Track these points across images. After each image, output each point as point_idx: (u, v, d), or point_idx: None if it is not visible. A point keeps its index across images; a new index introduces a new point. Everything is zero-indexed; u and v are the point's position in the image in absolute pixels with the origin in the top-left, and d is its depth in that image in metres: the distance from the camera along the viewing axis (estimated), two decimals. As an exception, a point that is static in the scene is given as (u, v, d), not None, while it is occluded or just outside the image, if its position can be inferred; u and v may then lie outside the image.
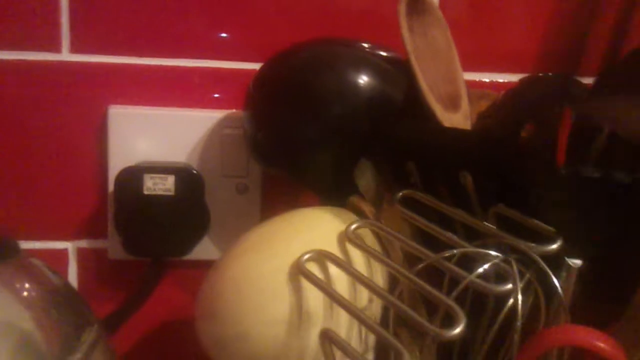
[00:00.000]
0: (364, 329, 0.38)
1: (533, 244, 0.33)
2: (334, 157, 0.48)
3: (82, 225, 0.57)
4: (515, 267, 0.31)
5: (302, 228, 0.43)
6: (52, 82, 0.55)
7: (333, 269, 0.37)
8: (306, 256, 0.37)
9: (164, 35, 0.56)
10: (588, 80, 0.44)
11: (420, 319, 0.28)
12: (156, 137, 0.56)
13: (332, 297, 0.34)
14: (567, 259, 0.33)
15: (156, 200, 0.53)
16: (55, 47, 0.55)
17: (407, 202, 0.43)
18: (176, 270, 0.58)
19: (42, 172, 0.56)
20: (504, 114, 0.49)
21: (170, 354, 0.59)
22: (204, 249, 0.57)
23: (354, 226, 0.40)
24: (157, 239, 0.55)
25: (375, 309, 0.39)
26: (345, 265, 0.36)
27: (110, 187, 0.55)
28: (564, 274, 0.32)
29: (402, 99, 0.48)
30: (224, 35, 0.57)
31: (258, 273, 0.39)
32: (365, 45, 0.51)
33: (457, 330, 0.26)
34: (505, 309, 0.32)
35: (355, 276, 0.35)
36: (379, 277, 0.40)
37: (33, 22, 0.54)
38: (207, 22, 0.57)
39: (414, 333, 0.37)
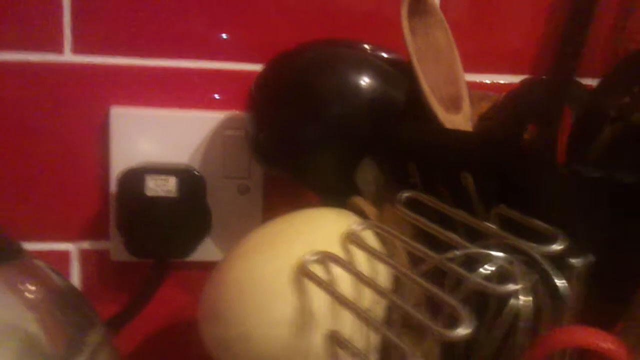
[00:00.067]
0: (367, 331, 0.38)
1: (536, 245, 0.33)
2: (335, 158, 0.49)
3: (85, 226, 0.57)
4: (519, 268, 0.31)
5: (304, 229, 0.43)
6: (54, 83, 0.55)
7: (337, 271, 0.37)
8: (310, 257, 0.37)
9: (165, 36, 0.56)
10: (588, 82, 0.44)
11: (426, 320, 0.28)
12: (158, 138, 0.56)
13: (338, 298, 0.34)
14: (572, 259, 0.33)
15: (158, 201, 0.54)
16: (57, 48, 0.55)
17: (408, 203, 0.43)
18: (178, 272, 0.58)
19: (44, 173, 0.56)
20: (505, 115, 0.49)
21: (173, 355, 0.59)
22: (205, 250, 0.57)
23: (357, 227, 0.40)
24: (159, 240, 0.55)
25: (378, 311, 0.39)
26: (350, 267, 0.37)
27: (112, 188, 0.55)
28: (570, 273, 0.32)
29: (404, 100, 0.48)
30: (225, 36, 0.57)
31: (260, 274, 0.39)
32: (367, 46, 0.51)
33: (463, 330, 0.26)
34: (512, 310, 0.32)
35: (360, 278, 0.35)
36: (382, 279, 0.40)
37: (35, 23, 0.54)
38: (208, 22, 0.57)
39: (417, 335, 0.37)
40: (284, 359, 0.38)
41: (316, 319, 0.37)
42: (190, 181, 0.54)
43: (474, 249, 0.33)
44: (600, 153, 0.37)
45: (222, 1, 0.57)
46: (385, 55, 0.51)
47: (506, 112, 0.49)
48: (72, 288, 0.41)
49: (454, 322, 0.28)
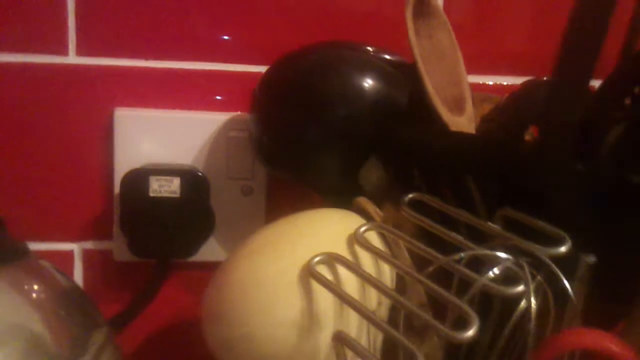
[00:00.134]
0: (372, 332, 0.38)
1: (542, 247, 0.33)
2: (339, 160, 0.49)
3: (88, 226, 0.57)
4: (527, 270, 0.31)
5: (308, 230, 0.43)
6: (58, 85, 0.55)
7: (342, 272, 0.37)
8: (316, 259, 0.37)
9: (169, 38, 0.56)
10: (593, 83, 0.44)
11: (433, 321, 0.28)
12: (162, 139, 0.56)
13: (345, 299, 0.34)
14: (576, 260, 0.34)
15: (162, 202, 0.54)
16: (62, 50, 0.55)
17: (412, 205, 0.43)
18: (181, 272, 0.58)
19: (48, 174, 0.56)
20: (507, 117, 0.49)
21: (175, 355, 0.60)
22: (209, 251, 0.57)
23: (363, 228, 0.40)
24: (162, 241, 0.55)
25: (383, 313, 0.39)
26: (357, 268, 0.37)
27: (116, 189, 0.55)
28: (577, 274, 0.32)
29: (407, 102, 0.48)
30: (228, 37, 0.57)
31: (264, 275, 0.39)
32: (370, 48, 0.51)
33: (470, 332, 0.26)
34: (517, 312, 0.32)
35: (367, 279, 0.35)
36: (387, 280, 0.41)
37: (40, 25, 0.55)
38: (211, 24, 0.57)
39: (418, 336, 0.37)
40: (288, 359, 0.38)
41: (321, 320, 0.37)
42: (194, 182, 0.55)
43: (481, 251, 0.33)
44: (606, 154, 0.37)
45: (225, 3, 0.57)
46: (388, 57, 0.51)
47: (508, 114, 0.49)
48: (76, 288, 0.41)
49: (459, 323, 0.28)
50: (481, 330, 0.28)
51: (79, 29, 0.55)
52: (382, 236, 0.42)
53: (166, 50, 0.56)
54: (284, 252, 0.40)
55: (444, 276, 0.36)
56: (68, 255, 0.57)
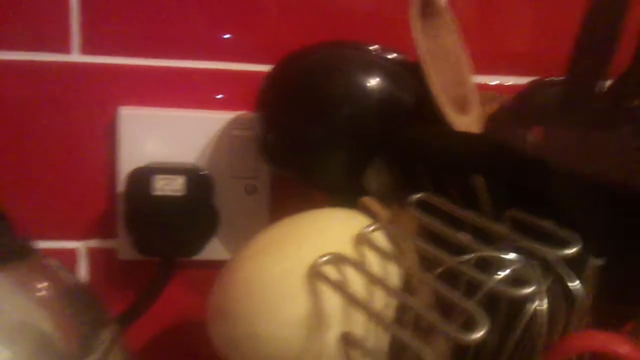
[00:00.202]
0: (378, 332, 0.38)
1: (551, 248, 0.33)
2: (343, 159, 0.49)
3: (92, 225, 0.57)
4: (534, 271, 0.31)
5: (313, 230, 0.43)
6: (62, 83, 0.55)
7: (349, 272, 0.37)
8: (323, 258, 0.37)
9: (173, 36, 0.56)
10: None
11: (442, 321, 0.28)
12: (166, 138, 0.56)
13: (353, 299, 0.34)
14: (584, 261, 0.34)
15: (166, 200, 0.54)
16: (66, 48, 0.55)
17: (418, 205, 0.43)
18: (185, 271, 0.58)
19: (52, 172, 0.56)
20: (513, 117, 0.49)
21: (180, 353, 0.60)
22: (213, 249, 0.57)
23: (369, 228, 0.40)
24: (166, 239, 0.55)
25: (389, 313, 0.39)
26: (364, 268, 0.37)
27: (120, 187, 0.55)
28: (585, 276, 0.32)
29: (412, 102, 0.48)
30: (233, 37, 0.57)
31: (269, 275, 0.39)
32: (375, 47, 0.51)
33: (480, 333, 0.26)
34: (527, 314, 0.32)
35: (374, 279, 0.35)
36: (394, 281, 0.40)
37: (44, 23, 0.54)
38: (216, 24, 0.57)
39: (424, 336, 0.37)
40: (294, 359, 0.38)
41: (327, 320, 0.37)
42: (198, 181, 0.55)
43: (489, 252, 0.33)
44: (615, 154, 0.37)
45: (228, 2, 0.57)
46: (392, 56, 0.51)
47: (513, 114, 0.50)
48: (84, 286, 0.41)
49: (466, 325, 0.28)
50: (489, 332, 0.28)
51: (83, 27, 0.55)
52: (389, 236, 0.42)
53: (170, 49, 0.56)
54: (290, 252, 0.40)
55: (450, 277, 0.36)
56: (72, 254, 0.57)
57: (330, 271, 0.37)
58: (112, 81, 0.56)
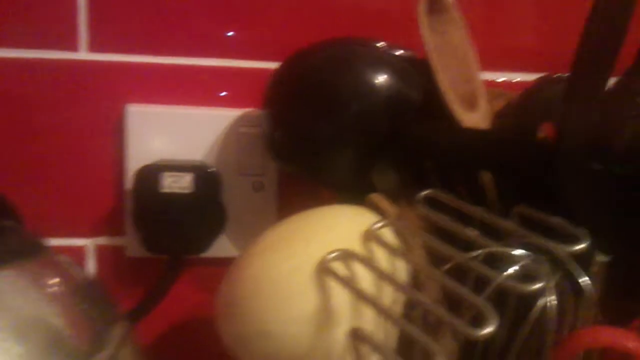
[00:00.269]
0: (386, 329, 0.38)
1: (560, 244, 0.33)
2: (351, 157, 0.49)
3: (101, 222, 0.58)
4: (544, 267, 0.31)
5: (321, 227, 0.43)
6: (70, 81, 0.56)
7: (357, 268, 0.37)
8: (331, 255, 0.37)
9: (181, 33, 0.56)
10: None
11: (451, 317, 0.28)
12: (173, 135, 0.56)
13: (362, 296, 0.34)
14: (592, 257, 0.34)
15: (174, 198, 0.54)
16: (73, 46, 0.55)
17: (426, 202, 0.43)
18: (193, 268, 0.59)
19: (60, 170, 0.57)
20: (521, 113, 0.49)
21: (189, 350, 0.60)
22: (220, 247, 0.57)
23: (377, 225, 0.40)
24: (174, 237, 0.55)
25: (397, 310, 0.39)
26: (373, 265, 0.37)
27: (128, 184, 0.55)
28: (591, 272, 0.32)
29: (420, 98, 0.48)
30: (240, 34, 0.57)
31: (278, 272, 0.39)
32: (382, 44, 0.51)
33: (489, 329, 0.26)
34: (536, 310, 0.32)
35: (384, 276, 0.35)
36: (402, 278, 0.40)
37: (51, 21, 0.55)
38: (223, 21, 0.57)
39: (431, 332, 0.37)
40: (303, 356, 0.38)
41: (336, 316, 0.37)
42: (206, 178, 0.55)
43: (498, 248, 0.33)
44: (622, 151, 0.37)
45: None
46: (400, 53, 0.51)
47: (522, 110, 0.49)
48: (95, 283, 0.41)
49: (475, 320, 0.28)
50: (499, 328, 0.28)
51: (90, 25, 0.55)
52: (397, 233, 0.42)
53: (177, 46, 0.57)
54: (298, 249, 0.40)
55: (457, 273, 0.36)
56: (81, 251, 0.58)
57: (339, 267, 0.37)
58: (119, 79, 0.56)
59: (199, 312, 0.59)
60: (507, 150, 0.42)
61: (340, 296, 0.37)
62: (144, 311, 0.57)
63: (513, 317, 0.36)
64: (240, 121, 0.57)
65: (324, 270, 0.37)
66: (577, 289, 0.33)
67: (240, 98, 0.58)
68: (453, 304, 0.35)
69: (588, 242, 0.33)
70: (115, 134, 0.56)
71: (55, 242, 0.57)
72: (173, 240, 0.55)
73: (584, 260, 0.34)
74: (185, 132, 0.56)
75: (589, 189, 0.37)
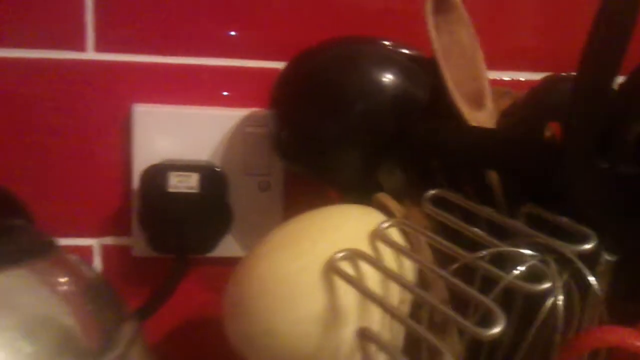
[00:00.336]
0: (394, 328, 0.38)
1: (568, 244, 0.33)
2: (358, 156, 0.49)
3: (107, 222, 0.58)
4: (554, 267, 0.31)
5: (328, 227, 0.43)
6: (77, 81, 0.56)
7: (365, 268, 0.37)
8: (339, 255, 0.37)
9: (188, 33, 0.57)
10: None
11: (459, 317, 0.28)
12: (180, 135, 0.56)
13: (370, 295, 0.34)
14: (599, 257, 0.33)
15: (180, 197, 0.54)
16: (80, 46, 0.55)
17: (433, 201, 0.43)
18: (199, 267, 0.59)
19: (66, 169, 0.57)
20: (527, 112, 0.49)
21: (195, 350, 0.60)
22: (226, 246, 0.57)
23: (385, 225, 0.40)
24: (180, 236, 0.55)
25: (404, 309, 0.39)
26: (380, 265, 0.37)
27: (135, 184, 0.56)
28: (598, 272, 0.32)
29: (427, 97, 0.48)
30: (247, 34, 0.57)
31: (285, 272, 0.39)
32: (388, 43, 0.51)
33: (497, 329, 0.26)
34: (544, 309, 0.32)
35: (392, 275, 0.35)
36: (409, 277, 0.41)
37: (58, 22, 0.55)
38: (230, 21, 0.57)
39: (438, 332, 0.37)
40: (310, 355, 0.38)
41: (343, 316, 0.37)
42: (212, 178, 0.55)
43: (506, 248, 0.33)
44: (628, 150, 0.37)
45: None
46: (406, 52, 0.51)
47: (528, 109, 0.49)
48: (105, 282, 0.41)
49: (482, 320, 0.28)
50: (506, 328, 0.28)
51: (97, 25, 0.55)
52: (404, 232, 0.42)
53: (184, 46, 0.57)
54: (305, 249, 0.40)
55: (464, 273, 0.36)
56: (87, 251, 0.58)
57: (346, 267, 0.37)
58: (126, 79, 0.56)
59: (205, 311, 0.59)
60: (513, 150, 0.42)
61: (347, 296, 0.37)
62: (150, 311, 0.57)
63: (521, 317, 0.36)
64: (246, 121, 0.57)
65: (331, 269, 0.37)
66: (585, 289, 0.33)
67: (247, 98, 0.58)
68: (460, 304, 0.35)
69: (595, 242, 0.33)
70: (121, 134, 0.57)
71: (61, 242, 0.56)
72: (179, 240, 0.55)
73: (590, 260, 0.34)
74: (192, 131, 0.57)
75: (596, 188, 0.37)
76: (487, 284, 0.33)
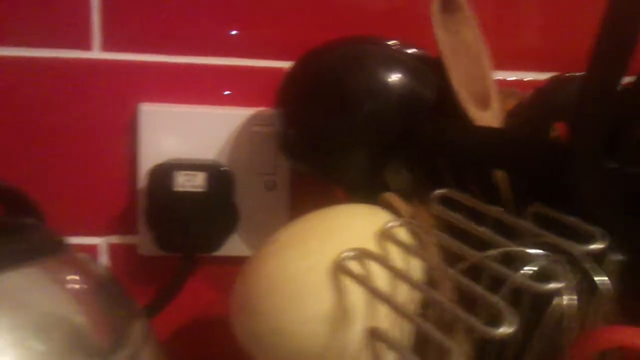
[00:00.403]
0: (402, 328, 0.38)
1: (576, 243, 0.33)
2: (364, 155, 0.49)
3: (113, 221, 0.58)
4: (561, 267, 0.31)
5: (336, 226, 0.43)
6: (83, 80, 0.56)
7: (373, 267, 0.38)
8: (346, 254, 0.37)
9: (195, 32, 0.57)
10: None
11: (469, 316, 0.28)
12: (186, 134, 0.57)
13: (379, 295, 0.34)
14: (607, 256, 0.33)
15: (186, 196, 0.54)
16: (86, 45, 0.56)
17: (440, 201, 0.43)
18: (205, 267, 0.59)
19: (72, 169, 0.57)
20: (533, 112, 0.49)
21: (201, 348, 0.60)
22: (233, 245, 0.57)
23: (392, 224, 0.40)
24: (186, 235, 0.55)
25: (413, 309, 0.39)
26: (389, 264, 0.37)
27: (141, 183, 0.56)
28: (606, 271, 0.32)
29: (433, 97, 0.48)
30: (254, 34, 0.57)
31: (293, 271, 0.39)
32: (394, 43, 0.51)
33: (507, 329, 0.26)
34: (554, 309, 0.32)
35: (399, 274, 0.35)
36: (417, 276, 0.41)
37: (64, 21, 0.55)
38: (237, 20, 0.57)
39: (445, 331, 0.37)
40: (318, 354, 0.38)
41: (351, 315, 0.37)
42: (219, 177, 0.55)
43: (515, 247, 0.33)
44: (637, 149, 0.37)
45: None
46: (412, 51, 0.51)
47: (534, 109, 0.49)
48: (114, 280, 0.41)
49: (491, 320, 0.28)
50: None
51: (103, 24, 0.55)
52: (411, 232, 0.42)
53: (191, 45, 0.57)
54: (313, 248, 0.40)
55: (472, 273, 0.36)
56: (93, 250, 0.58)
57: (354, 266, 0.37)
58: (132, 78, 0.56)
59: (212, 310, 0.59)
60: (520, 149, 0.42)
61: (355, 295, 0.37)
62: (156, 310, 0.57)
63: (529, 317, 0.36)
64: (252, 120, 0.57)
65: (339, 269, 0.37)
66: (593, 289, 0.33)
67: (253, 97, 0.58)
68: (467, 304, 0.35)
69: (606, 242, 0.33)
70: (128, 133, 0.57)
71: (68, 240, 0.57)
72: (185, 239, 0.55)
73: (599, 260, 0.34)
74: (198, 130, 0.57)
75: (604, 189, 0.37)
76: (495, 283, 0.33)
